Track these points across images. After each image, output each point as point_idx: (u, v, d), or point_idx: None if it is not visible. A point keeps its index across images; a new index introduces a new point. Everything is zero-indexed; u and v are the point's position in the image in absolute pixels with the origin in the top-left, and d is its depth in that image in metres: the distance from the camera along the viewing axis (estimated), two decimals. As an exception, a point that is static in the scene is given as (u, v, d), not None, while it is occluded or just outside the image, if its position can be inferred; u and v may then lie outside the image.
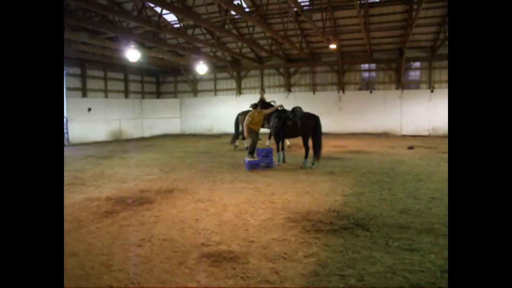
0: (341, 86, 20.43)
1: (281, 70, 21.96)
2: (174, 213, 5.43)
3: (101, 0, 14.27)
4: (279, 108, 10.10)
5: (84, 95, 19.98)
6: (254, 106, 10.12)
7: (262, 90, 14.41)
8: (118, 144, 18.19)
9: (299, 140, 9.84)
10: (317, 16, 15.66)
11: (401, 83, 19.06)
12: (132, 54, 14.26)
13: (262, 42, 19.04)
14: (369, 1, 15.27)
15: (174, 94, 25.82)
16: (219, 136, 21.32)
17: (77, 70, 19.66)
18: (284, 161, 10.07)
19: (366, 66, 20.39)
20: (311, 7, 15.50)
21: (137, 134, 22.44)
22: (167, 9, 11.62)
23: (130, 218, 5.26)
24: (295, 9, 13.67)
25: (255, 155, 9.63)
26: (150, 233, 4.57)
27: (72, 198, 6.58)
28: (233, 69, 22.91)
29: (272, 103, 10.75)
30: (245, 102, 21.82)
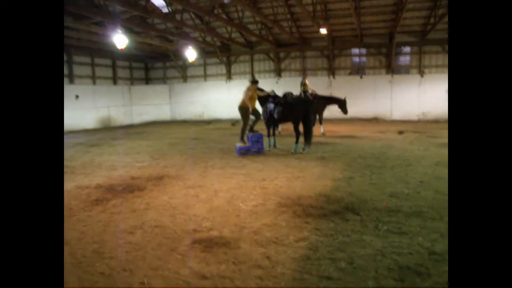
0: (332, 71, 20.39)
1: (271, 55, 21.80)
2: (165, 200, 5.42)
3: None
4: (271, 94, 10.01)
5: (71, 81, 19.64)
6: (255, 82, 9.97)
7: (305, 73, 14.62)
8: (108, 131, 18.01)
9: (290, 126, 9.83)
10: (307, 0, 15.51)
11: (391, 68, 19.08)
12: (120, 40, 13.98)
13: (251, 26, 18.84)
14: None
15: (164, 80, 25.53)
16: (209, 122, 21.24)
17: (63, 56, 19.27)
18: (275, 146, 10.08)
19: (356, 51, 20.33)
20: (301, -9, 15.33)
21: (126, 121, 22.21)
22: (154, -7, 11.39)
23: (121, 205, 5.24)
24: (285, -8, 13.53)
25: (245, 139, 9.53)
26: (141, 220, 4.57)
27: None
28: (223, 55, 22.69)
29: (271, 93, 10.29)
30: (235, 87, 21.73)
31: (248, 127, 9.64)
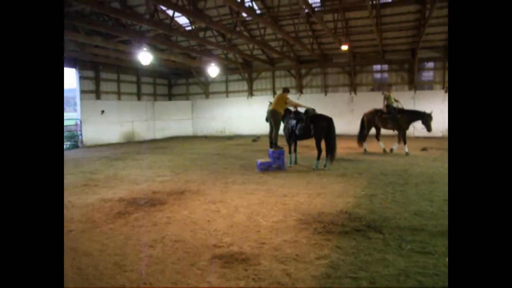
0: (353, 88, 20.30)
1: (293, 71, 21.92)
2: (185, 215, 5.45)
3: (115, 4, 14.47)
4: (310, 110, 9.65)
5: (98, 97, 20.24)
6: (287, 90, 10.03)
7: (389, 86, 13.21)
8: (131, 146, 18.37)
9: (311, 142, 9.79)
10: (328, 17, 15.61)
11: (414, 84, 18.84)
12: (145, 57, 14.40)
13: (273, 43, 19.04)
14: (381, 1, 15.15)
15: (186, 96, 25.97)
16: (230, 137, 21.38)
17: (91, 73, 19.92)
18: (296, 162, 10.04)
19: (378, 67, 20.22)
20: (322, 8, 15.46)
21: (149, 136, 22.66)
22: (179, 11, 11.71)
23: (143, 219, 5.30)
24: (306, 10, 13.64)
25: (279, 144, 9.55)
26: (162, 234, 4.60)
27: (86, 199, 6.66)
28: (245, 71, 22.96)
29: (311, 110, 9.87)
30: (257, 104, 21.90)
31: (278, 134, 9.65)
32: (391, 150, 11.93)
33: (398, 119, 11.69)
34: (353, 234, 4.40)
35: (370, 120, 12.55)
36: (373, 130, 12.80)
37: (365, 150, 12.61)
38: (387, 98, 12.24)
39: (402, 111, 11.97)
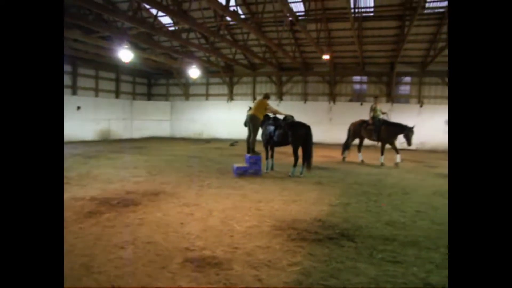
0: (332, 97, 20.61)
1: (274, 78, 22.07)
2: (159, 216, 5.37)
3: (97, -1, 14.21)
4: (288, 117, 9.76)
5: (74, 93, 19.80)
6: (268, 97, 10.08)
7: (376, 98, 13.09)
8: (107, 144, 18.00)
9: (288, 149, 9.85)
10: (311, 26, 15.81)
11: (391, 97, 19.29)
12: (125, 55, 14.17)
13: (256, 49, 19.13)
14: (363, 15, 15.48)
15: (166, 97, 25.73)
16: (208, 141, 21.27)
17: (68, 68, 19.47)
18: (272, 169, 10.07)
19: (357, 78, 20.63)
20: (306, 17, 15.66)
21: (126, 135, 22.27)
22: (162, 11, 11.61)
23: (114, 219, 5.19)
24: (290, 18, 13.79)
25: (256, 150, 9.61)
26: (134, 235, 4.51)
27: (56, 196, 6.47)
28: (226, 75, 22.96)
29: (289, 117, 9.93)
30: (237, 108, 21.90)
31: (256, 139, 9.65)
32: (396, 164, 11.85)
33: (381, 131, 11.89)
34: (326, 242, 4.43)
35: (356, 131, 12.79)
36: (356, 140, 13.02)
37: (344, 158, 12.79)
38: (373, 109, 12.38)
39: (386, 123, 12.13)
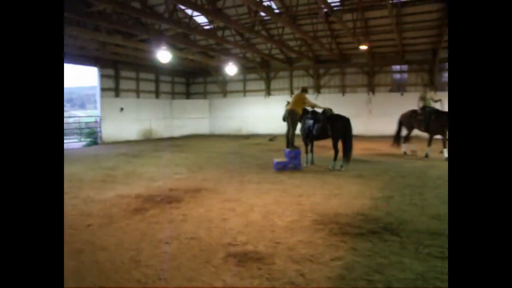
0: (371, 88, 20.08)
1: (311, 71, 21.81)
2: (201, 212, 5.49)
3: (135, 3, 14.65)
4: (326, 110, 9.61)
5: (117, 95, 20.56)
6: (306, 90, 10.05)
7: (425, 86, 12.40)
8: (149, 143, 18.60)
9: (328, 142, 9.72)
10: (347, 16, 15.45)
11: (435, 85, 18.50)
12: (164, 56, 14.56)
13: (291, 43, 18.99)
14: (402, 0, 14.92)
15: (204, 95, 26.13)
16: (247, 137, 21.41)
17: (111, 71, 20.25)
18: (312, 163, 9.99)
19: (397, 67, 19.93)
20: (341, 8, 15.33)
21: (167, 134, 22.90)
22: (197, 11, 11.80)
23: (159, 215, 5.36)
24: (325, 9, 13.57)
25: (296, 144, 9.58)
26: (177, 231, 4.64)
27: (104, 194, 6.78)
28: (262, 70, 22.98)
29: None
30: (274, 103, 21.89)
31: (295, 133, 9.63)
32: (426, 155, 11.17)
33: (430, 121, 11.17)
34: (369, 236, 4.34)
35: (406, 121, 12.20)
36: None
37: (404, 152, 12.10)
38: (423, 98, 11.71)
39: (437, 112, 11.19)
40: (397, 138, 12.46)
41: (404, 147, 12.13)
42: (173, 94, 25.23)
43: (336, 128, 9.10)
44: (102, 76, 19.73)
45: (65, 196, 6.71)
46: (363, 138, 16.40)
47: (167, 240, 4.31)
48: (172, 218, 5.24)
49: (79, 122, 27.14)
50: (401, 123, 12.37)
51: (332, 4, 14.32)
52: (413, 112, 12.05)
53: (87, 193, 6.88)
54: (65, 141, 20.96)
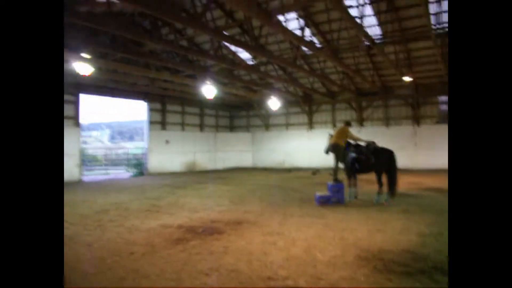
0: (417, 120, 19.53)
1: (353, 104, 21.66)
2: (242, 245, 5.46)
3: (183, 42, 15.49)
4: (370, 143, 9.47)
5: (164, 128, 21.43)
6: (349, 124, 10.00)
7: None
8: (192, 175, 19.01)
9: (372, 176, 9.47)
10: (389, 48, 15.38)
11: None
12: (208, 90, 15.12)
13: (333, 76, 19.06)
14: (447, 30, 14.65)
15: (247, 128, 26.59)
16: (290, 170, 21.32)
17: (158, 106, 21.23)
18: (356, 197, 9.73)
19: (444, 98, 19.33)
20: (383, 40, 15.30)
21: (210, 166, 23.36)
22: (241, 47, 12.22)
23: (200, 246, 5.40)
24: (367, 42, 13.58)
25: (340, 178, 9.38)
26: (218, 262, 4.64)
27: (149, 223, 6.96)
28: (305, 104, 23.13)
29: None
30: (317, 136, 21.81)
31: (338, 167, 9.50)
32: None
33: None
34: (418, 275, 4.11)
35: None
36: None
37: None
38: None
39: None
40: None
41: None
42: (217, 127, 25.87)
43: (380, 161, 8.89)
44: (150, 110, 20.72)
45: (111, 224, 6.96)
46: (409, 171, 15.81)
47: (207, 272, 4.31)
48: (213, 249, 5.25)
49: (127, 154, 28.36)
50: None
51: (374, 37, 14.33)
52: None
53: (132, 222, 7.09)
54: (114, 171, 21.97)
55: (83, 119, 17.86)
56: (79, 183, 15.55)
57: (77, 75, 12.55)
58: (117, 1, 9.72)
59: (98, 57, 12.17)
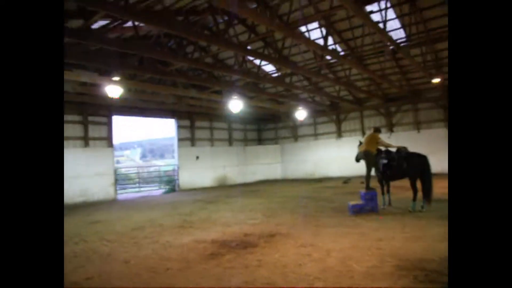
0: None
1: (381, 110, 21.27)
2: (276, 258, 5.41)
3: (208, 59, 15.79)
4: (401, 149, 9.23)
5: (193, 144, 21.75)
6: (379, 130, 9.84)
7: None
8: (223, 189, 19.12)
9: (406, 182, 9.21)
10: (415, 51, 15.05)
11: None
12: (235, 105, 15.29)
13: (359, 83, 18.84)
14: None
15: (275, 140, 26.59)
16: (320, 180, 21.09)
17: (187, 122, 21.61)
18: (390, 204, 9.48)
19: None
20: (408, 43, 15.00)
21: (240, 180, 23.43)
22: (265, 60, 12.32)
23: (234, 260, 5.39)
24: (391, 47, 13.37)
25: (371, 185, 9.15)
26: (253, 276, 4.61)
27: (182, 239, 7.02)
28: (332, 113, 22.92)
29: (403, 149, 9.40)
30: (346, 145, 21.52)
31: (370, 175, 9.30)
32: None
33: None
34: (461, 283, 3.93)
35: None
36: None
37: None
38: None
39: None
40: None
41: None
42: (246, 141, 26.02)
43: (412, 166, 8.64)
44: (179, 127, 21.13)
45: (146, 241, 7.07)
46: (443, 176, 15.27)
47: (243, 286, 4.29)
48: (247, 263, 5.23)
49: (158, 171, 28.92)
50: None
51: (398, 41, 14.09)
52: None
53: (166, 238, 7.18)
54: (146, 188, 22.42)
55: (116, 139, 18.31)
56: (114, 202, 15.96)
57: (109, 98, 12.99)
58: (143, 25, 10.06)
59: (127, 79, 12.57)
